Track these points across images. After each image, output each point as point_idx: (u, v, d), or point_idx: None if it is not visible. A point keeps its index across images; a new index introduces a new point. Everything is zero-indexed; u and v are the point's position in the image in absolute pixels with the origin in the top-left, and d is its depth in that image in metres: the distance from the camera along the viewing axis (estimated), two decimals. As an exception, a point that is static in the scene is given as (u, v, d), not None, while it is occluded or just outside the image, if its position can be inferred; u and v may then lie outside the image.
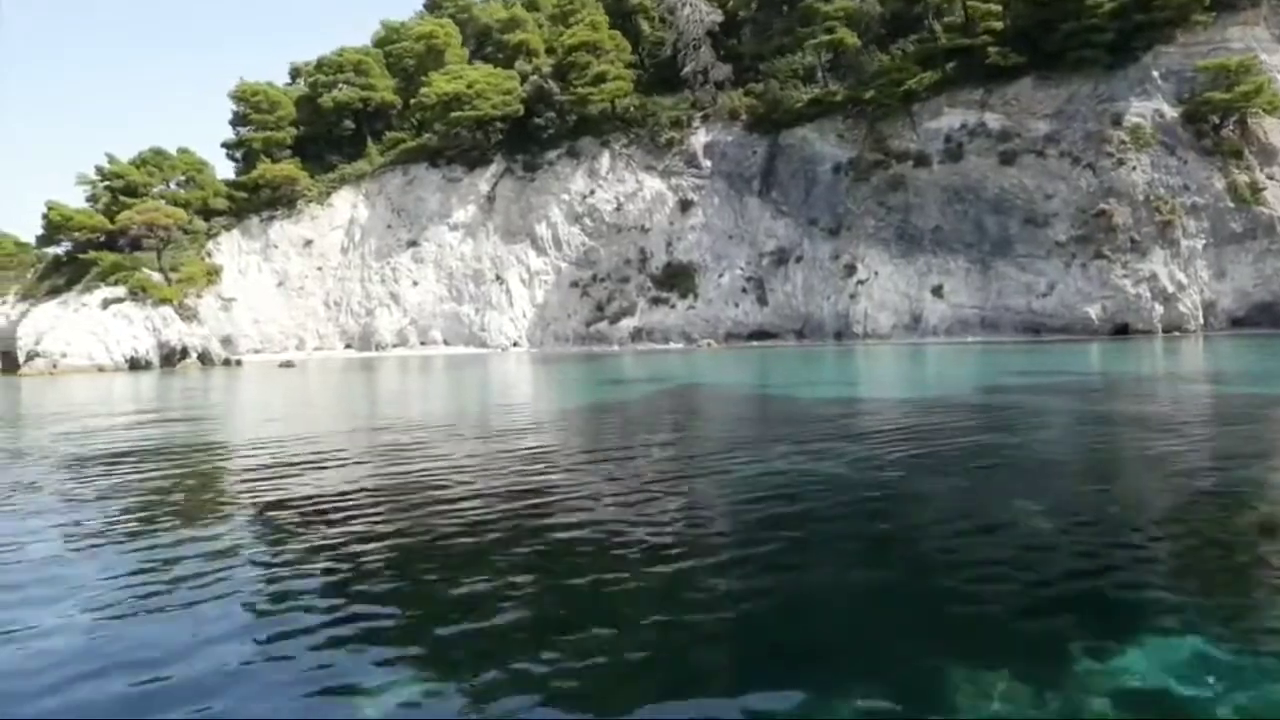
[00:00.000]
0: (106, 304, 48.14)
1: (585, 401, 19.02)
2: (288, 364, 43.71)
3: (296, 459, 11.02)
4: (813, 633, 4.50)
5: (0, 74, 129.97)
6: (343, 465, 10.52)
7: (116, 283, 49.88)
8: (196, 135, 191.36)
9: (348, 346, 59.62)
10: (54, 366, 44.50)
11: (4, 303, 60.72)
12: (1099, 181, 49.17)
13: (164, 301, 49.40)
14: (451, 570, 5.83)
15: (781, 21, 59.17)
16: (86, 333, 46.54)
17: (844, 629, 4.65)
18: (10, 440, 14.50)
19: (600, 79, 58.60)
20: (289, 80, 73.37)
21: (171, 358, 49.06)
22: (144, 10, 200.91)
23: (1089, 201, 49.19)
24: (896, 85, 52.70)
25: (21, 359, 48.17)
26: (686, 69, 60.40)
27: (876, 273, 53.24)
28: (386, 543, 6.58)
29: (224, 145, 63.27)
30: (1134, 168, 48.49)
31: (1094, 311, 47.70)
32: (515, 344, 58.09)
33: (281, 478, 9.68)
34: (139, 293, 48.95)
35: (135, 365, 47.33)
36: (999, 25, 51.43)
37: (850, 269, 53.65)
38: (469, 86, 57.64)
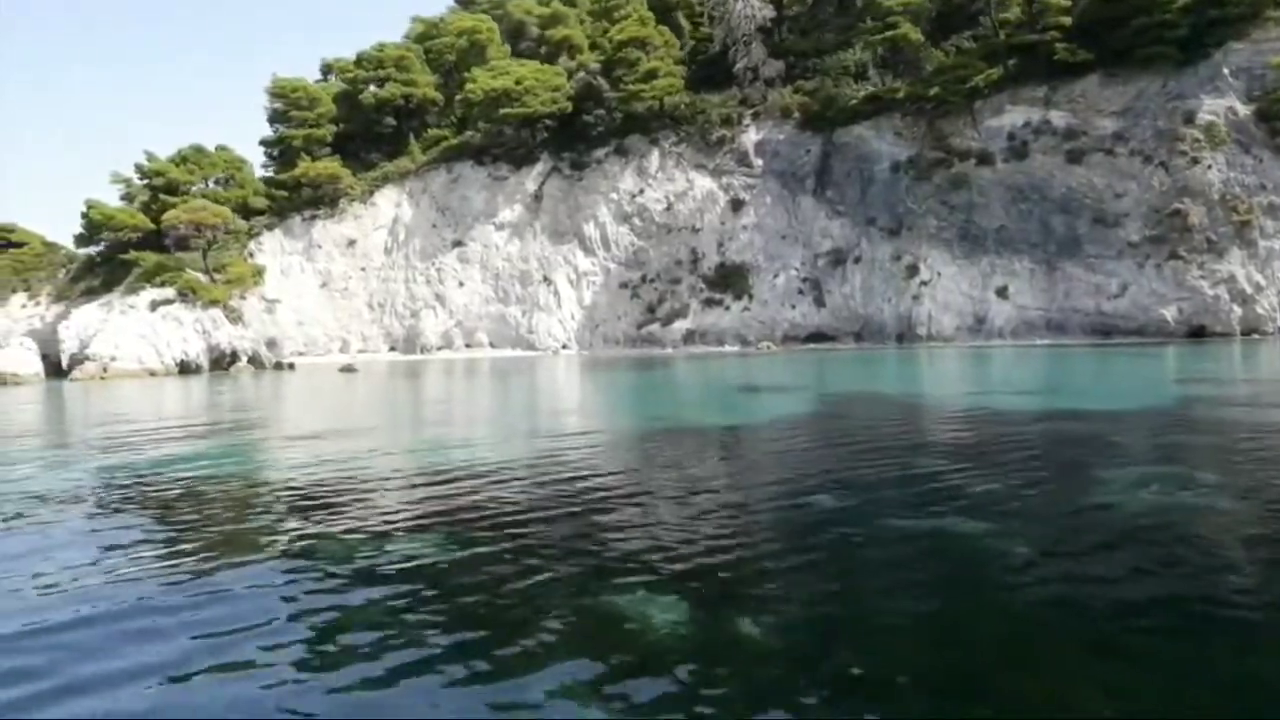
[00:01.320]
0: (155, 306, 46.59)
1: (740, 418, 17.72)
2: (348, 368, 42.18)
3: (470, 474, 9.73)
4: None
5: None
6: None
7: (163, 284, 48.32)
8: (210, 134, 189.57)
9: (391, 349, 58.17)
10: (104, 370, 42.94)
11: (37, 304, 59.13)
12: (1172, 180, 48.18)
13: (213, 303, 47.87)
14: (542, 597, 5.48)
15: (836, 18, 58.00)
16: (135, 335, 45.00)
17: None
18: (116, 476, 13.11)
19: (651, 75, 57.31)
20: (321, 77, 71.85)
21: (221, 361, 47.56)
22: (157, 9, 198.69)
23: (1162, 201, 48.19)
24: (961, 82, 51.58)
25: (64, 362, 46.68)
26: (738, 65, 59.14)
27: (939, 273, 52.11)
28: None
29: (262, 142, 61.80)
30: (1209, 166, 47.53)
31: (1170, 313, 46.68)
32: (564, 346, 56.73)
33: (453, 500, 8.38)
34: (188, 294, 47.40)
35: (185, 369, 45.85)
36: (1066, 21, 50.23)
37: (912, 270, 52.50)
38: (517, 83, 56.26)
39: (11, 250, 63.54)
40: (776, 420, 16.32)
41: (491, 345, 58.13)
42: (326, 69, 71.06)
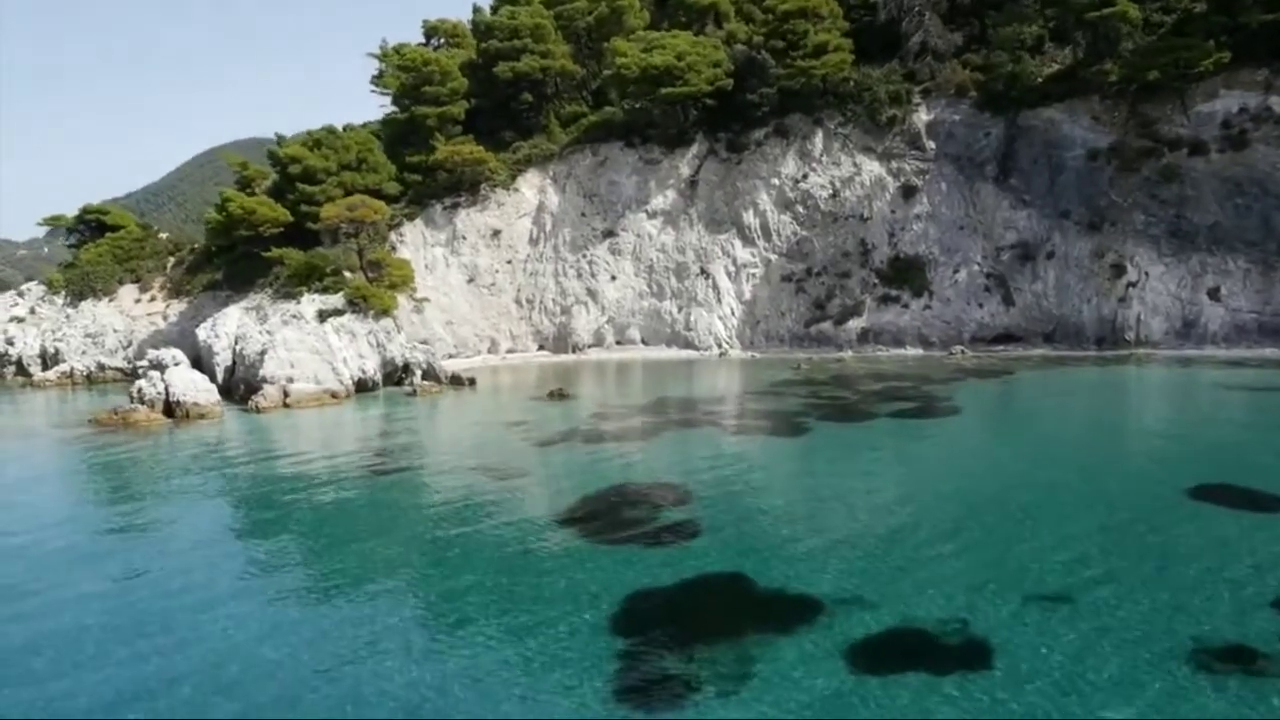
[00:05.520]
0: (323, 316, 42.35)
1: None
2: (560, 394, 38.23)
3: None
4: None
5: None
6: None
7: (325, 289, 44.03)
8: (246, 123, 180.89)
9: (540, 348, 54.28)
10: (285, 396, 38.93)
11: (152, 299, 54.66)
12: None
13: (384, 313, 43.70)
14: None
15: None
16: (309, 352, 40.85)
17: None
18: None
19: (820, 50, 52.72)
20: (423, 41, 66.39)
21: (392, 376, 43.61)
22: None
23: None
24: (1180, 66, 47.32)
25: (218, 375, 42.59)
26: (913, 40, 54.50)
27: (1147, 273, 48.67)
28: None
29: (386, 121, 56.51)
30: None
31: None
32: (730, 346, 53.02)
33: None
34: (359, 303, 43.15)
35: (361, 387, 41.91)
36: (1303, -2, 45.97)
37: (1118, 269, 48.97)
38: (678, 58, 51.46)
39: (108, 235, 58.81)
40: None
41: (644, 342, 54.38)
42: (431, 31, 65.57)
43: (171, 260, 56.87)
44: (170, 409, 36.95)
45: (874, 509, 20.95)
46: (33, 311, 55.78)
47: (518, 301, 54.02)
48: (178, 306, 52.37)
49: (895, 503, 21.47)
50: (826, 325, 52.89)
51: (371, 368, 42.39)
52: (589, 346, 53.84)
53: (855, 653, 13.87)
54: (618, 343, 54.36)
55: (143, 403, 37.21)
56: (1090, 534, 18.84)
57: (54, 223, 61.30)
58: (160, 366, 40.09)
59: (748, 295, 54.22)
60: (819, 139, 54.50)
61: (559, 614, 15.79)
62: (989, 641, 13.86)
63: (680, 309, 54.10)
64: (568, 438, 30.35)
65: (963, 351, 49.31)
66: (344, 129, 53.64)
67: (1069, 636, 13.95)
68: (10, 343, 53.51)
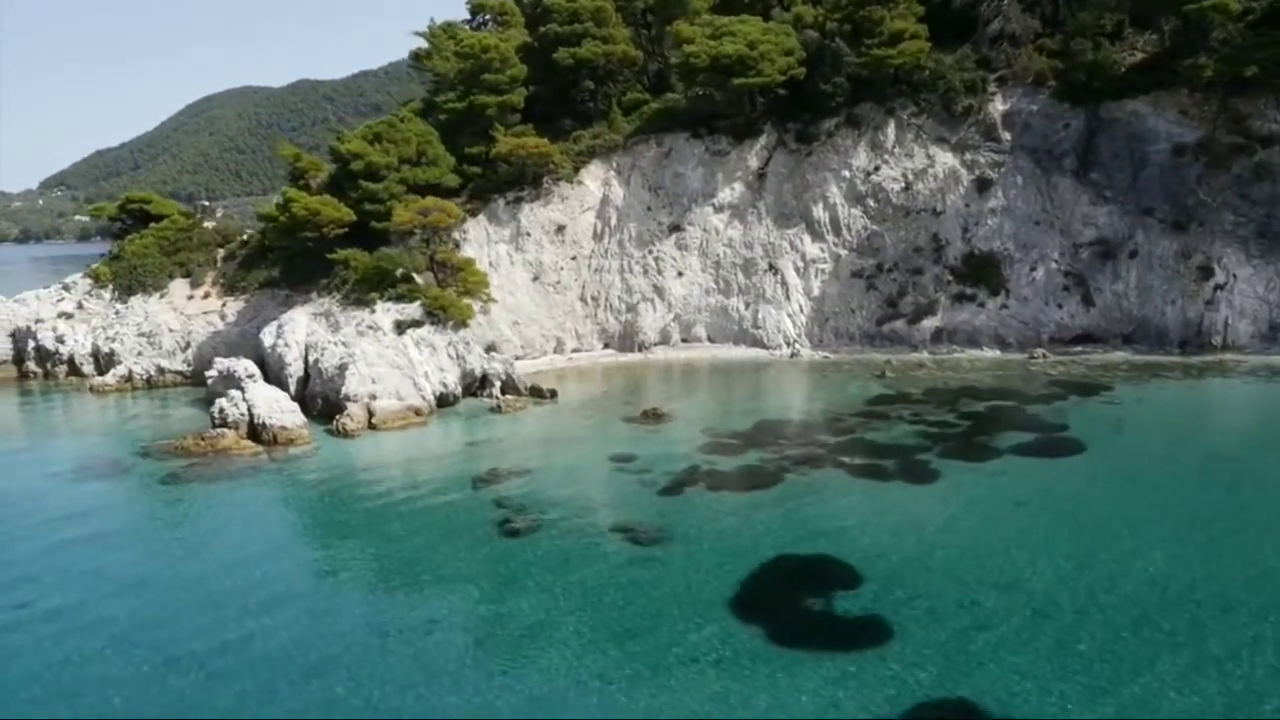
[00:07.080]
0: (401, 328, 41.12)
1: None
2: (654, 414, 37.27)
3: None
4: None
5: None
6: None
7: (400, 297, 42.71)
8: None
9: (605, 346, 53.13)
10: (370, 415, 37.86)
11: (206, 296, 53.21)
12: None
13: (463, 324, 42.47)
14: None
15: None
16: (389, 366, 39.71)
17: None
18: None
19: (897, 37, 50.69)
20: (468, 19, 64.04)
21: (470, 388, 42.55)
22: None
23: None
24: (1280, 60, 45.56)
25: (291, 388, 41.43)
26: (992, 25, 52.39)
27: (1235, 275, 47.44)
28: None
29: (445, 110, 54.25)
30: None
31: None
32: (800, 346, 51.87)
33: None
34: (437, 314, 41.87)
35: (442, 402, 40.84)
36: None
37: (1206, 271, 47.74)
38: (750, 47, 49.44)
39: (152, 226, 57.16)
40: None
41: (710, 340, 53.24)
42: (477, 8, 63.12)
43: (221, 252, 55.31)
44: (255, 431, 35.91)
45: (1066, 603, 20.03)
46: (80, 307, 54.40)
47: (583, 299, 52.73)
48: (234, 305, 50.98)
49: (1086, 595, 20.53)
50: (899, 324, 51.73)
51: (452, 381, 41.30)
52: (655, 345, 52.72)
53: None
54: (684, 340, 53.25)
55: (225, 425, 36.15)
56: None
57: (97, 212, 59.49)
58: (233, 379, 39.12)
59: (816, 292, 52.94)
60: (891, 129, 52.70)
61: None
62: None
63: (748, 306, 52.88)
64: (687, 481, 29.42)
65: (1044, 356, 48.25)
66: (400, 119, 51.68)
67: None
68: (60, 340, 52.25)
